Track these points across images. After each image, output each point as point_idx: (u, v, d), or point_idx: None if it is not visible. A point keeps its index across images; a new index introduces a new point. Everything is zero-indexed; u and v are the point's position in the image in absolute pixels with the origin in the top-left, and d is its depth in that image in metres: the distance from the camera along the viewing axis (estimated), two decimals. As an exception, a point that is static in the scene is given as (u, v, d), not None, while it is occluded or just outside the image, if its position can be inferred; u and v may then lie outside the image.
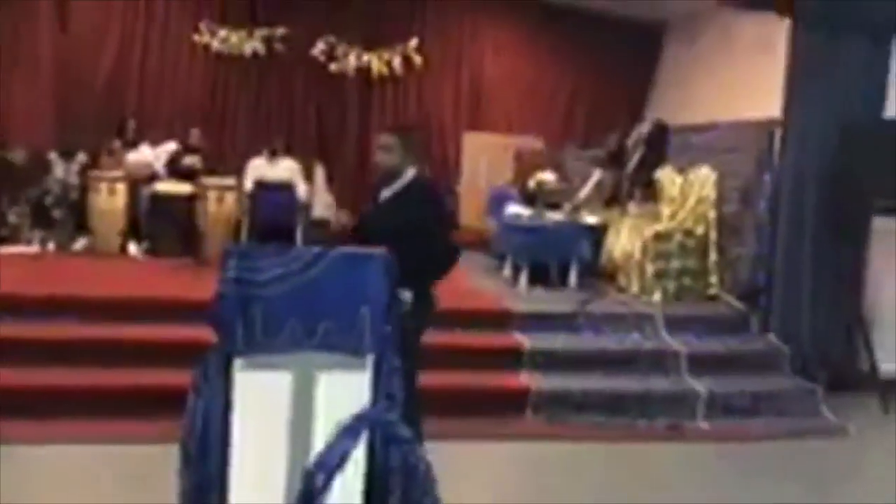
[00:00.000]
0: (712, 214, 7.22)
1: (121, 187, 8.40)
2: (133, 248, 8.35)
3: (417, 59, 10.53)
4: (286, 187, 8.44)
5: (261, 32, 10.14)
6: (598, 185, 8.45)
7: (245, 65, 10.19)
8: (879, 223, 6.25)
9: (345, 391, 3.02)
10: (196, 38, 10.07)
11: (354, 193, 9.12)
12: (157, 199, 8.39)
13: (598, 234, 7.71)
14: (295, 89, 10.38)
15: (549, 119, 10.80)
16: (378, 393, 3.04)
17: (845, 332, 6.29)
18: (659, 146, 8.24)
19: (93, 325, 5.51)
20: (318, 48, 10.26)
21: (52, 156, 8.64)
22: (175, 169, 8.62)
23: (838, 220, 6.19)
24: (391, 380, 3.07)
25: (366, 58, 10.41)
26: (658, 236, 7.17)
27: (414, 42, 10.50)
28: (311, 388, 3.01)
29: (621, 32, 10.43)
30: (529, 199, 8.20)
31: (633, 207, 7.85)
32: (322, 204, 9.11)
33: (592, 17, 10.38)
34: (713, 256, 7.18)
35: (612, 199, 8.34)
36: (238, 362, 3.00)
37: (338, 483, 2.45)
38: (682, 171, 7.68)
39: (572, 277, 7.32)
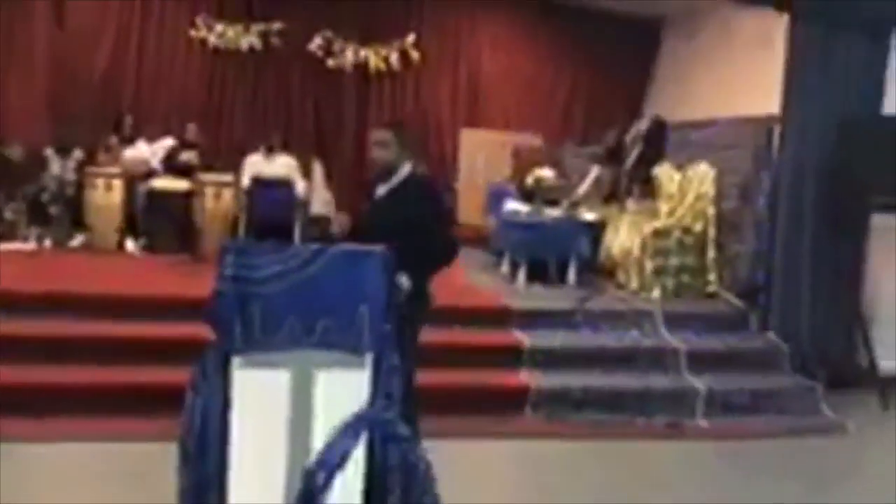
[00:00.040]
0: (711, 211, 7.21)
1: (117, 184, 8.37)
2: (130, 244, 8.32)
3: (415, 55, 10.50)
4: (284, 184, 8.40)
5: (257, 27, 10.11)
6: (597, 181, 8.44)
7: (242, 60, 10.15)
8: (878, 220, 6.25)
9: (344, 389, 3.00)
10: (192, 32, 10.03)
11: (352, 190, 9.09)
12: (154, 195, 8.36)
13: (596, 231, 7.69)
14: (292, 85, 10.35)
15: (547, 115, 10.79)
16: (377, 391, 3.03)
17: (845, 329, 6.29)
18: (657, 143, 8.23)
19: (90, 322, 5.48)
20: (315, 43, 10.22)
21: (49, 152, 8.60)
22: (172, 165, 8.58)
23: (837, 216, 6.19)
24: (390, 378, 3.06)
25: (363, 53, 10.38)
26: (657, 233, 7.16)
27: (411, 37, 10.46)
28: (310, 387, 3.00)
29: (620, 28, 10.42)
30: (528, 195, 8.18)
31: (631, 204, 7.85)
32: (320, 201, 9.08)
33: (591, 13, 10.36)
34: (712, 253, 7.17)
35: (611, 195, 8.33)
36: (236, 360, 2.98)
37: (338, 482, 2.43)
38: (680, 167, 7.67)
39: (571, 274, 7.31)
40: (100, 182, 8.34)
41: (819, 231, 6.22)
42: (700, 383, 5.62)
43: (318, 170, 9.44)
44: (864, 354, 6.22)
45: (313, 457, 2.21)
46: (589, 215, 7.81)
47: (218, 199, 8.16)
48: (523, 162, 9.36)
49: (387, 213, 3.83)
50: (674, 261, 7.08)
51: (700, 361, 5.84)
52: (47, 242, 8.11)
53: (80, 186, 8.43)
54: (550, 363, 5.64)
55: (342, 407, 2.92)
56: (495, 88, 10.82)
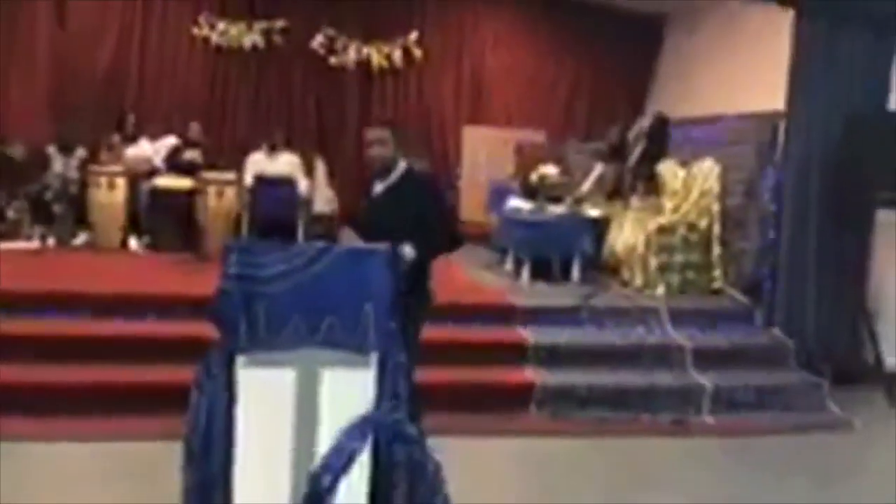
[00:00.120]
0: (716, 208, 7.19)
1: (120, 182, 8.35)
2: (133, 243, 8.32)
3: (417, 52, 10.49)
4: (287, 182, 8.38)
5: (260, 25, 10.10)
6: (600, 178, 8.41)
7: (244, 58, 10.14)
8: (883, 215, 6.22)
9: (349, 388, 2.99)
10: (195, 31, 10.03)
11: (355, 188, 9.07)
12: (157, 193, 8.35)
13: (600, 228, 7.67)
14: (294, 82, 10.34)
15: (549, 112, 10.76)
16: (383, 390, 3.02)
17: (850, 325, 6.26)
18: (660, 139, 8.21)
19: (93, 320, 5.48)
20: (318, 41, 10.21)
21: (51, 150, 8.59)
22: (175, 163, 8.57)
23: (842, 212, 6.16)
24: (396, 377, 3.05)
25: (365, 51, 10.36)
26: (661, 230, 7.13)
27: (414, 35, 10.45)
28: (315, 386, 2.99)
29: (622, 24, 10.39)
30: (531, 192, 8.15)
31: (635, 201, 7.82)
32: (323, 199, 9.06)
33: (593, 9, 10.33)
34: (717, 250, 7.15)
35: (614, 192, 8.30)
36: (241, 359, 2.97)
37: (343, 483, 2.41)
38: (684, 164, 7.64)
39: (575, 271, 7.28)
40: (103, 180, 8.33)
41: (824, 227, 6.19)
42: (706, 380, 5.60)
43: (320, 168, 9.42)
44: (869, 350, 6.20)
45: (319, 460, 2.19)
46: (593, 212, 7.78)
47: (221, 197, 8.15)
48: (526, 159, 9.34)
49: (386, 211, 3.83)
50: (678, 257, 7.05)
51: (705, 358, 5.82)
52: (50, 241, 8.10)
53: (83, 185, 8.42)
54: (555, 360, 5.63)
55: (347, 406, 2.90)
56: (498, 85, 10.79)
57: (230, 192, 8.23)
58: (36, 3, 9.42)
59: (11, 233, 8.10)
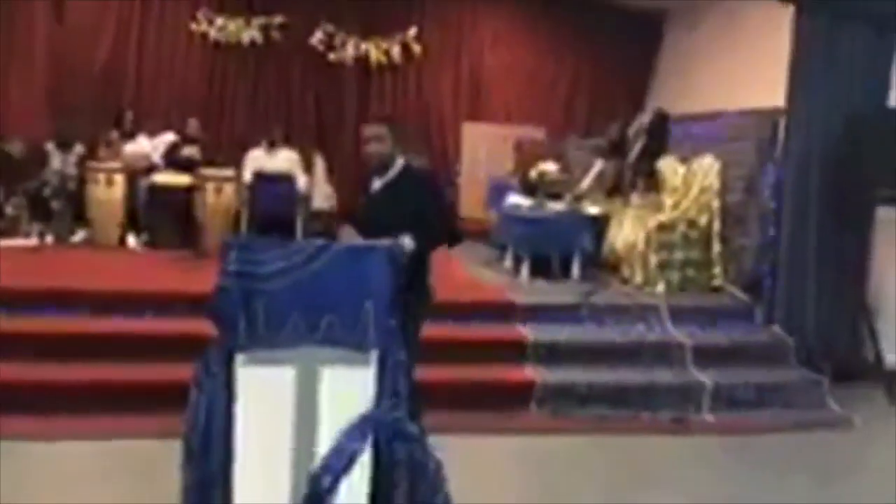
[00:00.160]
0: (716, 204, 7.17)
1: (119, 178, 8.33)
2: (132, 240, 8.30)
3: (416, 48, 10.45)
4: (285, 178, 8.38)
5: (258, 21, 10.06)
6: (600, 175, 8.39)
7: (242, 54, 10.11)
8: (883, 213, 6.21)
9: (349, 387, 2.98)
10: (193, 26, 9.98)
11: (353, 184, 9.04)
12: (156, 190, 8.32)
13: (599, 225, 7.65)
14: (293, 79, 10.30)
15: (549, 108, 10.72)
16: (383, 388, 3.01)
17: (850, 322, 6.25)
18: (660, 135, 8.19)
19: (91, 318, 5.47)
20: (317, 37, 10.17)
21: (50, 147, 8.55)
22: (173, 160, 8.54)
23: (842, 209, 6.15)
24: (396, 375, 3.03)
25: (364, 47, 10.32)
26: (661, 227, 7.12)
27: (413, 31, 10.41)
28: (315, 384, 2.98)
29: (622, 20, 10.36)
30: (531, 189, 8.14)
31: (635, 198, 7.80)
32: (322, 195, 9.06)
33: (593, 6, 10.30)
34: (717, 247, 7.13)
35: (614, 189, 8.29)
36: (240, 357, 2.96)
37: (344, 482, 2.40)
38: (684, 160, 7.62)
39: (575, 269, 7.26)
40: (101, 177, 8.30)
41: (824, 224, 6.17)
42: (706, 377, 5.59)
43: (319, 164, 9.41)
44: (869, 348, 6.19)
45: (319, 460, 2.18)
46: (592, 209, 7.76)
47: (219, 193, 8.13)
48: (526, 155, 9.31)
49: (384, 207, 3.82)
50: (678, 255, 7.04)
51: (705, 356, 5.81)
52: (49, 238, 8.08)
53: (81, 181, 8.40)
54: (555, 358, 5.61)
55: (347, 404, 2.90)
56: (497, 82, 10.76)
57: (229, 189, 8.22)
58: (34, 0, 9.38)
59: (10, 230, 8.08)
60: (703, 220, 7.17)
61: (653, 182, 7.82)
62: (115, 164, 8.47)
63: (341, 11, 10.18)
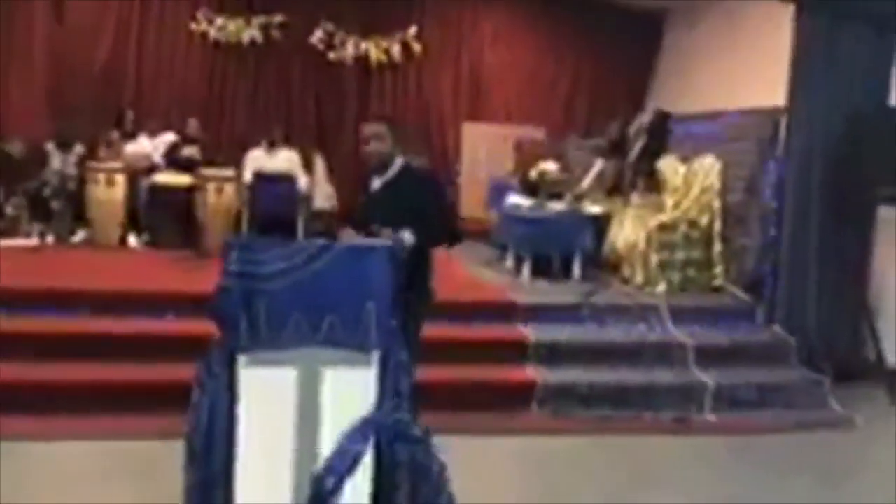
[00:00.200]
0: (717, 204, 7.16)
1: (119, 178, 8.32)
2: (133, 239, 8.29)
3: (416, 48, 10.44)
4: (286, 178, 8.36)
5: (258, 20, 10.05)
6: (600, 174, 8.38)
7: (243, 53, 10.10)
8: (884, 212, 6.22)
9: (351, 387, 2.98)
10: (193, 26, 9.97)
11: (353, 183, 9.02)
12: (156, 190, 8.32)
13: (600, 225, 7.64)
14: (293, 78, 10.29)
15: (549, 108, 10.72)
16: (384, 389, 3.00)
17: (851, 322, 6.25)
18: (661, 135, 8.18)
19: (92, 318, 5.46)
20: (317, 36, 10.16)
21: (50, 147, 8.54)
22: (174, 160, 8.54)
23: (843, 209, 6.15)
24: (398, 375, 3.03)
25: (364, 46, 10.31)
26: (662, 227, 7.11)
27: (413, 30, 10.40)
28: (317, 385, 2.97)
29: (622, 19, 10.35)
30: (531, 189, 8.13)
31: (635, 198, 7.79)
32: (322, 195, 9.04)
33: (593, 5, 10.29)
34: (718, 247, 7.12)
35: (614, 188, 8.28)
36: (242, 358, 2.96)
37: (347, 484, 2.40)
38: (685, 160, 7.61)
39: (575, 269, 7.25)
40: (101, 177, 8.29)
41: (825, 224, 6.17)
42: (707, 378, 5.58)
43: (319, 164, 9.40)
44: (871, 347, 6.18)
45: (322, 462, 2.17)
46: (593, 209, 7.75)
47: (220, 194, 8.12)
48: (526, 155, 9.30)
49: (384, 206, 3.81)
50: (680, 255, 7.03)
51: (707, 356, 5.80)
52: (49, 238, 8.08)
53: (81, 181, 8.38)
54: (556, 358, 5.61)
55: (350, 405, 2.90)
56: (497, 81, 10.75)
57: (229, 189, 8.21)
58: (34, 0, 9.37)
59: (10, 230, 8.07)
60: (704, 220, 7.16)
61: (653, 182, 7.81)
62: (116, 164, 8.46)
63: (341, 10, 10.17)
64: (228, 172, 8.41)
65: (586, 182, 8.28)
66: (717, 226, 7.14)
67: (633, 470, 4.60)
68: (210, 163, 8.63)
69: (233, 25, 10.00)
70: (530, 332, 5.78)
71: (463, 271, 7.28)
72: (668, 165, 7.74)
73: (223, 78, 10.16)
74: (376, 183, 3.94)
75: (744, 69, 8.17)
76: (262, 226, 7.92)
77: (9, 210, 8.19)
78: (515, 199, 8.02)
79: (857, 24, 6.13)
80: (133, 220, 8.37)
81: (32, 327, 5.25)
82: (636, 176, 8.00)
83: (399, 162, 3.93)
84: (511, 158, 9.72)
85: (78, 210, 8.35)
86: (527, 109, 10.63)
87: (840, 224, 6.17)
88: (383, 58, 10.37)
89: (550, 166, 8.49)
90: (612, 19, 10.36)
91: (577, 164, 8.95)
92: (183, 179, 8.31)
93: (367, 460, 2.71)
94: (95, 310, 5.51)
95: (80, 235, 8.29)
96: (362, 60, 10.33)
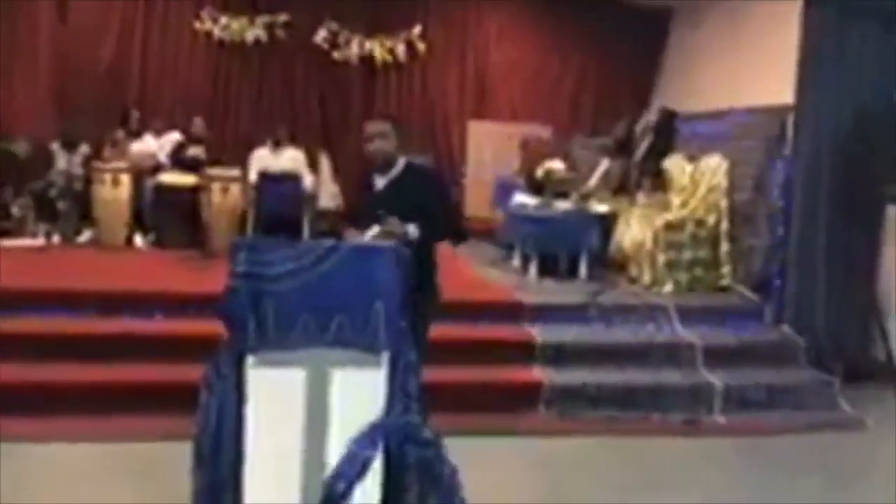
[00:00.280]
0: (724, 203, 7.14)
1: (125, 178, 8.30)
2: (138, 239, 8.28)
3: (421, 47, 10.41)
4: (291, 178, 8.35)
5: (262, 19, 10.03)
6: (606, 173, 8.36)
7: (247, 53, 10.08)
8: (893, 211, 6.19)
9: (359, 388, 2.95)
10: (197, 25, 9.95)
11: (358, 182, 8.99)
12: (162, 190, 8.31)
13: (606, 224, 7.61)
14: (297, 77, 10.27)
15: (555, 107, 10.68)
16: (393, 390, 2.98)
17: (860, 322, 6.21)
18: (667, 134, 8.16)
19: (98, 319, 5.44)
20: (321, 35, 10.14)
21: (55, 147, 8.53)
22: (179, 159, 8.53)
23: (852, 207, 6.11)
24: (407, 376, 3.01)
25: (369, 45, 10.28)
26: (669, 226, 7.08)
27: (417, 29, 10.37)
28: (326, 386, 2.95)
29: (627, 19, 10.31)
30: (537, 188, 8.10)
31: (641, 197, 7.76)
32: (328, 194, 9.02)
33: (598, 4, 10.26)
34: (725, 246, 7.10)
35: (620, 187, 8.25)
36: (251, 359, 2.94)
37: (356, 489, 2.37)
38: (692, 159, 7.58)
39: (582, 268, 7.23)
40: (107, 177, 8.27)
41: (834, 222, 6.13)
42: (716, 378, 5.55)
43: (324, 163, 9.39)
44: (880, 347, 6.15)
45: (332, 468, 2.15)
46: (599, 208, 7.73)
47: (225, 193, 8.10)
48: (532, 154, 9.27)
49: (390, 204, 3.79)
50: (687, 254, 7.00)
51: (715, 356, 5.77)
52: (55, 238, 8.07)
53: (87, 181, 8.36)
54: (563, 359, 5.58)
55: (358, 406, 2.87)
56: (502, 80, 10.71)
57: (235, 189, 8.19)
58: (37, 0, 9.36)
59: (16, 230, 8.06)
60: (711, 220, 7.13)
61: (659, 181, 7.78)
62: (121, 164, 8.44)
63: (345, 10, 10.15)
64: (234, 172, 8.39)
65: (592, 181, 8.26)
66: (725, 225, 7.12)
67: (640, 471, 4.57)
68: (215, 162, 8.61)
69: (237, 25, 9.98)
70: (537, 333, 5.75)
71: (469, 271, 7.25)
72: (675, 164, 7.71)
73: (228, 77, 10.14)
74: (380, 182, 3.92)
75: (750, 67, 8.13)
76: (267, 225, 7.90)
77: (15, 210, 8.18)
78: (521, 199, 8.00)
79: (866, 20, 6.09)
80: (138, 220, 8.36)
81: (38, 327, 5.24)
82: (642, 175, 7.98)
83: (402, 161, 3.91)
84: (517, 157, 9.68)
85: (83, 210, 8.34)
86: (532, 108, 10.59)
87: (849, 223, 6.13)
88: (388, 57, 10.34)
89: (556, 165, 8.47)
90: (617, 17, 10.32)
91: (583, 163, 8.91)
92: (188, 179, 8.30)
93: (377, 466, 2.68)
94: (101, 310, 5.49)
95: (85, 235, 8.28)
96: (367, 60, 10.31)
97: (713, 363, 5.72)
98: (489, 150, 10.18)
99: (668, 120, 8.20)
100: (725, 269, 7.06)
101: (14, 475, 3.87)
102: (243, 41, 10.02)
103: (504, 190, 8.78)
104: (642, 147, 8.20)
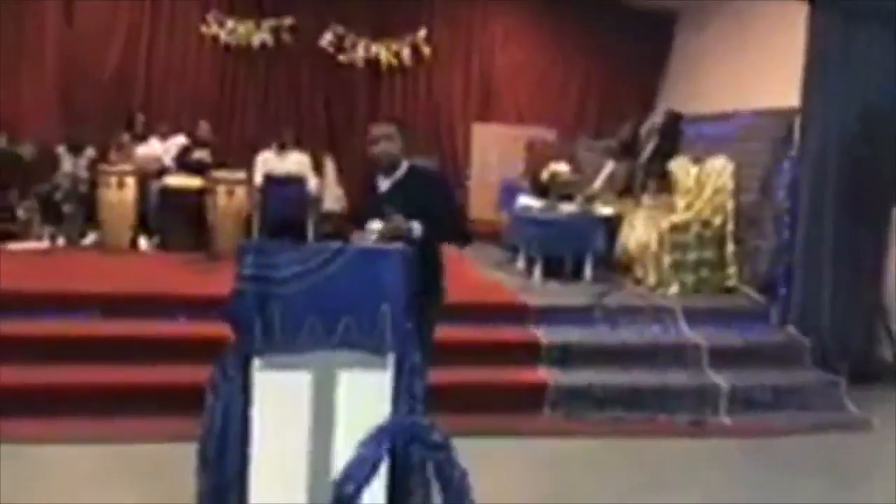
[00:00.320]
0: (730, 205, 7.12)
1: (130, 181, 8.32)
2: (143, 242, 8.30)
3: (426, 50, 10.44)
4: (296, 181, 8.35)
5: (268, 23, 10.06)
6: (611, 176, 8.35)
7: (253, 56, 10.12)
8: (898, 212, 6.17)
9: (366, 390, 2.96)
10: (203, 29, 10.00)
11: (363, 186, 9.00)
12: (167, 193, 8.33)
13: (611, 226, 7.61)
14: (303, 81, 10.30)
15: (560, 109, 10.70)
16: (399, 392, 2.99)
17: (866, 322, 6.20)
18: (673, 136, 8.14)
19: (103, 321, 5.45)
20: (327, 39, 10.17)
21: (61, 150, 8.57)
22: (184, 163, 8.55)
23: (858, 209, 6.10)
24: (412, 378, 3.02)
25: (374, 48, 10.32)
26: (675, 227, 7.06)
27: (423, 32, 10.40)
28: (332, 388, 2.96)
29: (633, 21, 10.32)
30: (542, 190, 8.10)
31: (646, 199, 7.75)
32: (332, 197, 9.04)
33: (603, 7, 10.27)
34: (731, 248, 7.08)
35: (625, 190, 8.24)
36: (257, 362, 2.95)
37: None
38: (697, 161, 7.56)
39: (587, 270, 7.22)
40: (113, 180, 8.29)
41: (840, 224, 6.12)
42: (722, 379, 5.54)
43: (330, 166, 9.40)
44: (886, 348, 6.14)
45: (341, 470, 2.15)
46: (604, 210, 7.72)
47: (231, 196, 8.12)
48: (537, 156, 9.28)
49: (394, 207, 3.79)
50: (692, 255, 6.98)
51: (721, 357, 5.76)
52: (60, 241, 8.10)
53: (92, 184, 8.39)
54: (569, 360, 5.57)
55: (365, 408, 2.88)
56: (507, 82, 10.74)
57: (240, 192, 8.19)
58: (44, 2, 9.40)
59: (22, 233, 8.09)
60: (716, 221, 7.11)
61: (664, 183, 7.76)
62: (127, 167, 8.46)
63: (351, 13, 10.18)
64: (239, 175, 8.40)
65: (597, 183, 8.25)
66: (730, 227, 7.09)
67: (646, 472, 4.56)
68: (220, 165, 8.63)
69: (243, 28, 10.02)
70: (542, 334, 5.75)
71: (474, 273, 7.26)
72: (680, 166, 7.69)
73: (233, 81, 10.18)
74: (384, 184, 3.93)
75: (755, 69, 8.12)
76: (271, 228, 7.88)
77: (20, 213, 8.21)
78: (526, 201, 8.00)
79: (872, 23, 6.08)
80: (144, 223, 8.38)
81: (43, 330, 5.25)
82: (647, 177, 7.96)
83: (405, 164, 3.92)
84: (522, 160, 9.69)
85: (89, 213, 8.36)
86: (537, 111, 10.61)
87: (855, 224, 6.12)
88: (393, 60, 10.37)
89: (561, 167, 8.46)
90: (622, 20, 10.33)
91: (588, 165, 8.91)
92: (193, 182, 8.32)
93: (383, 468, 2.68)
94: (106, 312, 5.50)
95: (90, 238, 8.30)
96: (372, 63, 10.34)
97: (719, 364, 5.71)
98: (494, 152, 10.19)
99: (674, 122, 8.19)
100: (731, 271, 7.04)
101: (19, 477, 3.88)
102: (249, 45, 10.06)
103: (509, 192, 8.79)
104: (647, 149, 8.18)
